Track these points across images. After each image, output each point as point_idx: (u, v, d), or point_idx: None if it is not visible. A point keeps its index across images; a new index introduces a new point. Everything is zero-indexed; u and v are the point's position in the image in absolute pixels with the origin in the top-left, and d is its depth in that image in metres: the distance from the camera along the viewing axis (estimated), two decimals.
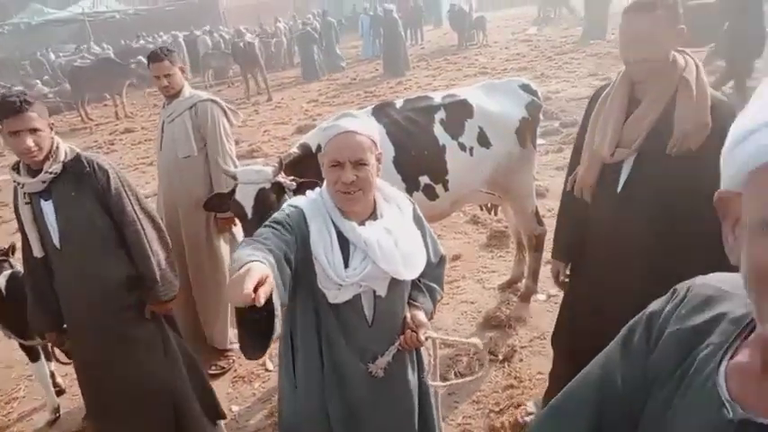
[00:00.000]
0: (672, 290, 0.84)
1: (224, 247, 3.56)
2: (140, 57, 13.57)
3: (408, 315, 1.83)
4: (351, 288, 1.67)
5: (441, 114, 3.30)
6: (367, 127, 1.68)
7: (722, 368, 0.69)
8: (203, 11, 26.41)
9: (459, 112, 3.32)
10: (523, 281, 4.01)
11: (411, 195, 3.25)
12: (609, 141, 1.94)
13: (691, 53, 1.93)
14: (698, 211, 1.75)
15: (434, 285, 1.93)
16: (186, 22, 22.40)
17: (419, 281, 1.89)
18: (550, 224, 2.87)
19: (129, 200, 2.42)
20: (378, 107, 3.33)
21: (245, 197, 2.60)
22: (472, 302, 4.05)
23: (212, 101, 3.35)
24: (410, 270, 1.74)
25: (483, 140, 3.35)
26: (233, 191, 2.69)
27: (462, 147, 3.30)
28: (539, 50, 14.56)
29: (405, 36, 17.23)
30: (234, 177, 2.72)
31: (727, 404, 0.66)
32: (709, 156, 1.74)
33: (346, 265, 1.65)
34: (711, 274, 0.83)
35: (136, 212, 2.43)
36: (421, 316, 1.83)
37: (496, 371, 3.29)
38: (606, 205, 2.03)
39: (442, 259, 1.94)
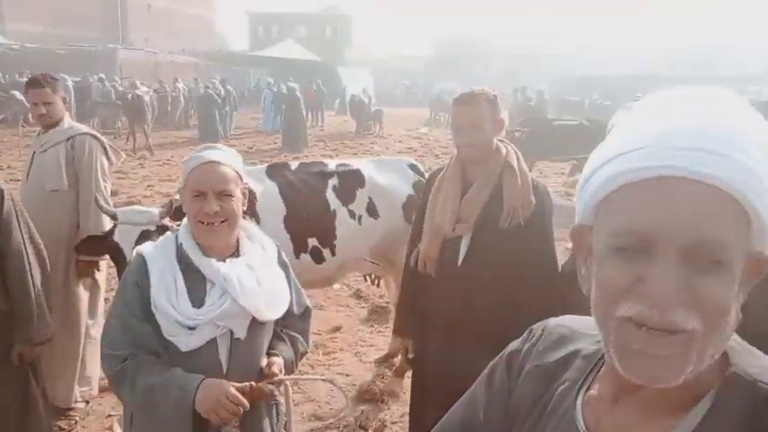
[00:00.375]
0: (528, 330, 0.89)
1: (83, 294, 3.24)
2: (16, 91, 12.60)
3: (264, 361, 1.70)
4: (206, 330, 1.56)
5: (334, 180, 3.40)
6: (232, 158, 1.64)
7: (578, 401, 0.73)
8: (99, 59, 25.40)
9: (351, 180, 3.44)
10: (399, 356, 4.05)
11: (298, 257, 3.25)
12: (449, 218, 2.14)
13: (508, 142, 2.27)
14: (526, 278, 2.10)
15: (298, 336, 1.83)
16: (80, 68, 21.36)
17: (281, 331, 1.80)
18: None
19: (20, 228, 2.19)
20: (272, 166, 3.37)
21: (126, 239, 2.41)
22: (348, 375, 3.98)
23: (92, 135, 3.19)
24: (272, 310, 1.67)
25: (372, 211, 3.47)
26: (110, 232, 2.50)
27: (352, 214, 3.40)
28: (428, 147, 15.67)
29: (306, 116, 17.80)
30: (113, 217, 2.54)
31: (579, 427, 0.71)
32: (533, 228, 2.13)
33: (202, 304, 1.56)
34: (564, 316, 0.88)
35: (24, 243, 2.20)
36: (277, 363, 1.69)
37: None
38: (448, 277, 2.18)
39: (307, 311, 1.87)
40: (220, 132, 15.70)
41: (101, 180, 3.13)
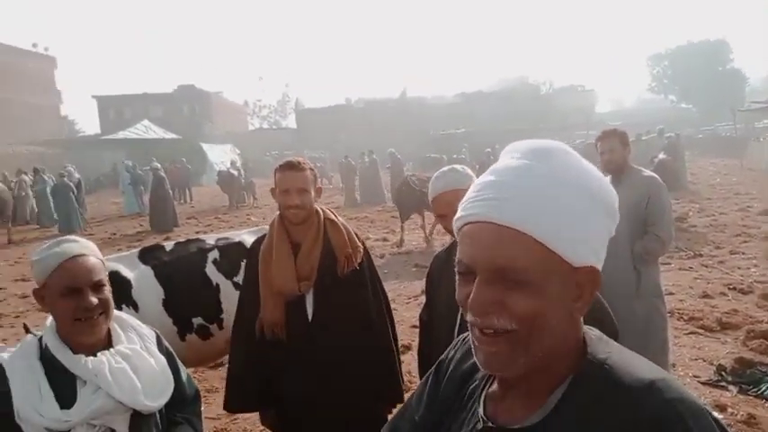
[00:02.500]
0: (454, 341, 1.08)
1: None
2: None
3: None
4: (81, 431, 1.47)
5: (214, 255, 3.37)
6: (92, 248, 1.60)
7: (483, 396, 0.91)
8: None
9: (234, 252, 3.43)
10: None
11: (184, 338, 3.15)
12: (290, 278, 2.20)
13: (321, 205, 2.41)
14: (371, 315, 2.32)
15: (195, 419, 1.78)
16: None
17: (175, 416, 1.72)
18: None
19: None
20: (145, 249, 3.27)
21: None
22: None
23: None
24: (154, 399, 1.58)
25: None
26: None
27: (237, 286, 3.37)
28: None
29: (173, 195, 17.15)
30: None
31: (480, 419, 0.88)
32: (364, 269, 2.35)
33: (72, 405, 1.47)
34: None
35: None
36: None
37: None
38: (301, 334, 2.22)
39: (197, 395, 1.83)
40: (78, 223, 14.56)
41: None
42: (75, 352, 1.52)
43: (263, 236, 2.40)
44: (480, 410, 0.89)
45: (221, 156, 28.74)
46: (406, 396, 2.32)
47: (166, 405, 1.66)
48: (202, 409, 4.39)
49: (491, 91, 46.11)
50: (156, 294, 3.05)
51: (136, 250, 3.29)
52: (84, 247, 1.56)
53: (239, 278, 3.40)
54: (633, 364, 0.81)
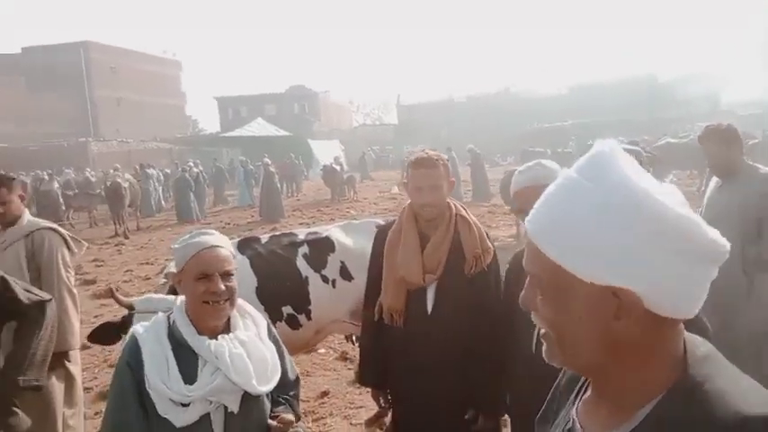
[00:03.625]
0: None
1: (56, 386, 3.16)
2: None
3: (274, 422, 1.76)
4: (199, 405, 1.62)
5: (304, 249, 3.56)
6: (226, 241, 1.79)
7: (578, 401, 0.93)
8: (71, 153, 25.73)
9: (321, 247, 3.60)
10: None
11: (274, 325, 3.34)
12: (416, 270, 2.25)
13: (452, 198, 2.43)
14: (486, 319, 2.26)
15: (294, 402, 1.91)
16: (52, 163, 21.60)
17: (278, 397, 1.86)
18: None
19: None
20: (243, 240, 3.52)
21: None
22: None
23: (51, 229, 3.23)
24: (264, 383, 1.73)
25: (345, 274, 3.62)
26: (126, 322, 2.48)
27: (325, 279, 3.53)
28: (402, 206, 15.93)
29: (281, 188, 18.16)
30: (129, 308, 2.59)
31: (572, 419, 0.90)
32: (491, 272, 2.34)
33: (194, 381, 1.63)
34: None
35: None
36: (287, 415, 1.79)
37: None
38: (419, 326, 2.28)
39: (297, 379, 1.97)
40: (195, 212, 15.95)
41: (63, 272, 3.17)
42: (200, 333, 1.68)
43: (390, 222, 2.49)
44: (573, 412, 0.91)
45: (327, 151, 29.85)
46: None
47: None
48: None
49: (603, 81, 43.48)
50: (250, 283, 3.28)
51: (235, 240, 3.55)
52: (219, 240, 1.75)
53: (326, 271, 3.56)
54: (736, 391, 0.74)
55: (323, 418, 4.28)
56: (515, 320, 2.06)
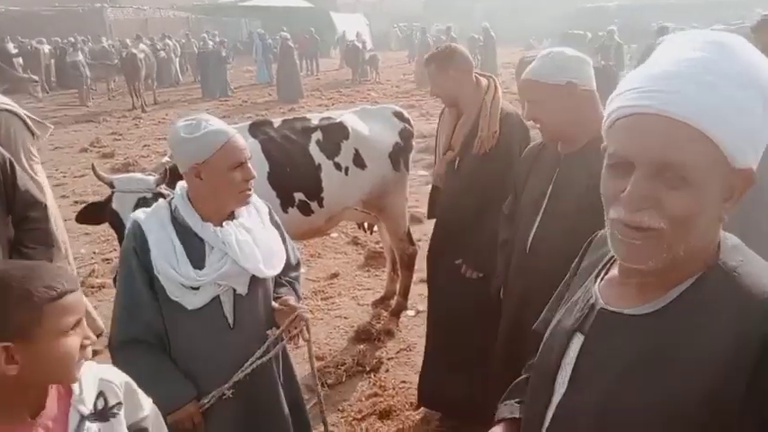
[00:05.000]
0: (584, 247, 1.12)
1: None
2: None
3: (276, 304, 1.84)
4: (209, 289, 1.67)
5: (317, 135, 3.48)
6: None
7: (598, 279, 0.96)
8: (87, 20, 24.87)
9: (335, 133, 3.52)
10: (395, 297, 4.24)
11: (286, 211, 3.38)
12: (443, 146, 2.71)
13: (490, 75, 2.71)
14: (488, 195, 2.51)
15: (295, 282, 1.99)
16: (67, 29, 20.97)
17: (281, 278, 1.93)
18: (425, 247, 3.15)
19: None
20: (255, 123, 3.44)
21: (124, 207, 2.48)
22: (346, 318, 4.20)
23: (9, 111, 3.02)
24: (270, 267, 1.78)
25: (358, 161, 3.57)
26: (108, 200, 2.57)
27: (338, 166, 3.49)
28: (426, 90, 15.42)
29: (300, 66, 17.52)
30: (110, 185, 2.63)
31: (594, 294, 0.93)
32: (497, 154, 2.50)
33: (203, 266, 1.66)
34: None
35: None
36: (290, 298, 1.87)
37: (362, 381, 3.44)
38: (447, 188, 2.79)
39: (298, 263, 2.03)
40: (226, 88, 15.59)
41: (25, 163, 2.98)
42: (204, 220, 1.69)
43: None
44: (595, 287, 0.93)
45: (350, 26, 28.34)
46: None
47: None
48: (303, 271, 4.85)
49: None
50: (261, 167, 3.25)
51: (246, 123, 3.48)
52: (233, 129, 1.71)
53: (339, 159, 3.51)
54: (767, 274, 0.79)
55: (331, 297, 4.49)
56: (518, 212, 2.10)
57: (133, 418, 1.23)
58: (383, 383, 3.38)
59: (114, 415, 1.15)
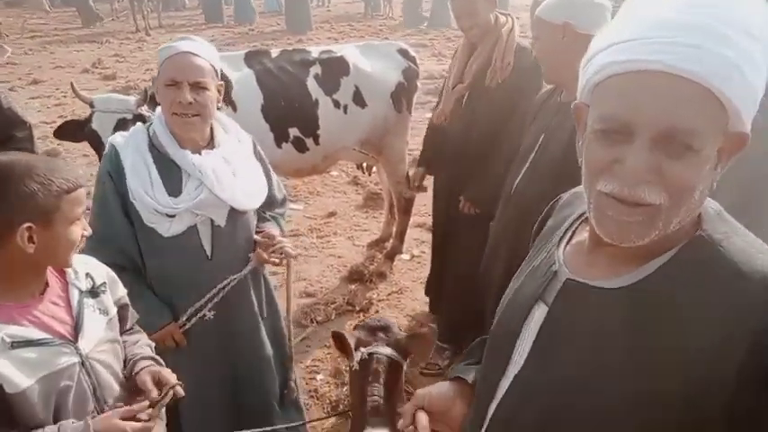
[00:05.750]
0: (557, 197, 1.04)
1: None
2: None
3: (259, 237, 1.81)
4: (185, 217, 1.64)
5: (316, 69, 3.33)
6: (208, 52, 1.65)
7: (562, 244, 0.87)
8: None
9: (335, 68, 3.37)
10: (391, 240, 4.22)
11: (280, 146, 3.29)
12: (453, 78, 2.65)
13: (509, 13, 2.67)
14: (496, 127, 2.51)
15: (280, 219, 1.95)
16: None
17: (264, 212, 1.90)
18: (428, 192, 3.11)
19: None
20: (251, 53, 3.29)
21: (103, 127, 2.46)
22: (340, 257, 4.20)
23: None
24: (249, 199, 1.74)
25: (358, 99, 3.44)
26: (88, 119, 2.55)
27: (336, 103, 3.37)
28: (440, 30, 14.87)
29: None
30: (90, 104, 2.58)
31: (558, 261, 0.84)
32: (510, 85, 2.46)
33: (179, 194, 1.63)
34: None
35: None
36: (273, 230, 1.84)
37: (351, 320, 3.47)
38: (454, 122, 2.70)
39: (284, 198, 1.98)
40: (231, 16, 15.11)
41: None
42: (182, 146, 1.64)
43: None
44: (559, 253, 0.84)
45: None
46: None
47: None
48: (301, 208, 4.81)
49: None
50: (255, 98, 3.15)
51: (242, 52, 3.33)
52: (200, 48, 1.62)
53: (338, 95, 3.38)
54: (754, 251, 0.71)
55: (327, 236, 4.47)
56: (517, 155, 2.09)
57: (115, 296, 1.37)
58: None
59: (103, 291, 1.32)
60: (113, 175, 1.63)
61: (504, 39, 2.49)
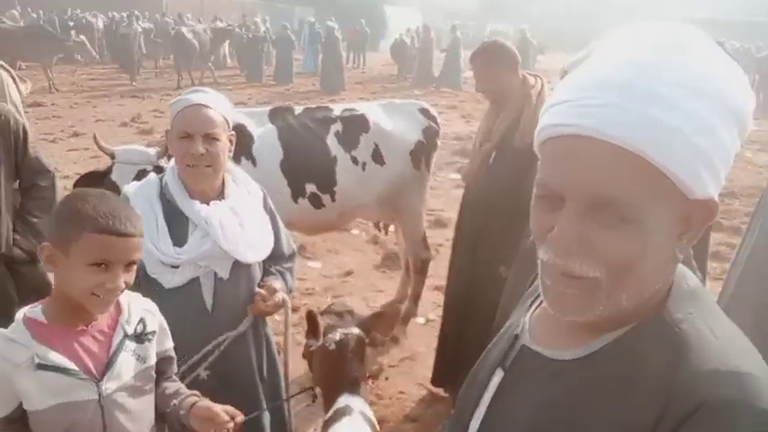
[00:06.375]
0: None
1: None
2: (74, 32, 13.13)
3: (260, 288, 1.78)
4: (188, 269, 1.63)
5: (337, 126, 3.34)
6: (220, 103, 1.67)
7: (529, 312, 0.84)
8: None
9: (355, 125, 3.37)
10: (405, 302, 4.08)
11: (296, 201, 3.26)
12: (480, 139, 2.68)
13: (539, 74, 2.69)
14: (525, 192, 2.29)
15: (287, 272, 1.91)
16: (123, 5, 21.51)
17: (270, 266, 1.86)
18: (446, 254, 3.01)
19: None
20: (275, 109, 3.33)
21: (123, 178, 2.47)
22: None
23: (2, 67, 3.02)
24: (254, 252, 1.72)
25: (377, 157, 3.41)
26: (109, 170, 2.57)
27: (355, 160, 3.34)
28: (470, 93, 15.14)
29: (347, 58, 17.46)
30: (111, 156, 2.61)
31: (522, 327, 0.81)
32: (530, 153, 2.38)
33: (183, 244, 1.62)
34: None
35: None
36: (275, 283, 1.79)
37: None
38: (479, 182, 2.71)
39: (293, 254, 1.95)
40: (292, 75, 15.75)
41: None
42: (191, 197, 1.64)
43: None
44: (526, 318, 0.82)
45: (403, 20, 28.12)
46: None
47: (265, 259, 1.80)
48: (319, 266, 4.71)
49: None
50: (275, 154, 3.15)
51: (267, 108, 3.37)
52: (212, 100, 1.65)
53: (357, 152, 3.36)
54: (714, 338, 0.64)
55: (342, 295, 4.34)
56: None
57: (161, 347, 1.39)
58: (380, 391, 3.24)
59: (149, 340, 1.33)
60: None
61: (534, 100, 2.48)
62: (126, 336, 1.28)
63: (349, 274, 4.73)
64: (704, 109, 0.60)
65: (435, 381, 3.09)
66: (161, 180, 1.70)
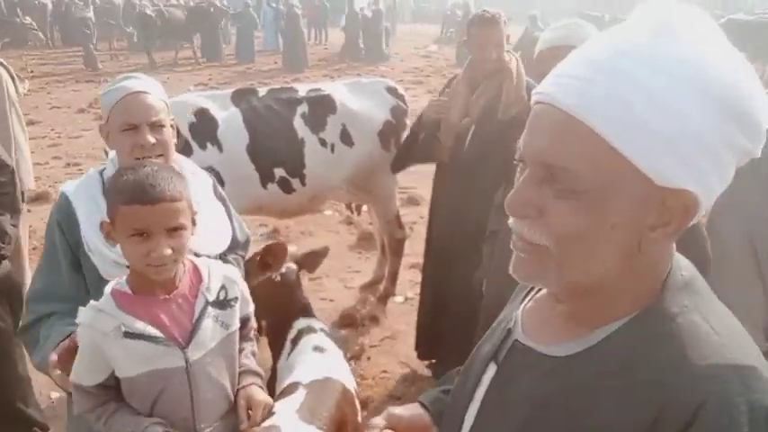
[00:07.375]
0: None
1: None
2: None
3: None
4: None
5: (303, 107, 3.26)
6: (158, 89, 1.57)
7: (523, 304, 0.82)
8: None
9: (322, 106, 3.29)
10: (383, 282, 4.07)
11: (266, 186, 3.19)
12: (458, 112, 2.57)
13: (512, 51, 2.65)
14: (508, 166, 2.27)
15: (242, 260, 1.83)
16: None
17: (225, 255, 1.74)
18: (421, 231, 2.98)
19: None
20: (238, 91, 3.23)
21: None
22: (331, 300, 4.04)
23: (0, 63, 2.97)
24: (211, 244, 1.63)
25: (346, 138, 3.35)
26: None
27: (323, 142, 3.28)
28: (435, 67, 15.04)
29: (308, 35, 17.08)
30: None
31: (515, 320, 0.80)
32: (524, 120, 2.36)
33: None
34: None
35: None
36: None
37: None
38: (456, 161, 2.64)
39: (248, 240, 1.87)
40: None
41: (8, 110, 2.94)
42: None
43: (455, 76, 2.76)
44: (519, 311, 0.81)
45: None
46: None
47: None
48: (295, 249, 4.65)
49: None
50: (241, 138, 3.07)
51: (229, 91, 3.26)
52: (149, 86, 1.53)
53: (325, 134, 3.29)
54: (712, 332, 0.62)
55: (318, 277, 4.29)
56: None
57: (243, 312, 1.40)
58: (363, 372, 3.24)
59: (231, 306, 1.34)
60: (63, 226, 1.51)
61: (514, 74, 2.50)
62: (208, 303, 1.30)
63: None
64: (667, 88, 0.58)
65: (421, 355, 3.13)
66: (101, 175, 1.59)
